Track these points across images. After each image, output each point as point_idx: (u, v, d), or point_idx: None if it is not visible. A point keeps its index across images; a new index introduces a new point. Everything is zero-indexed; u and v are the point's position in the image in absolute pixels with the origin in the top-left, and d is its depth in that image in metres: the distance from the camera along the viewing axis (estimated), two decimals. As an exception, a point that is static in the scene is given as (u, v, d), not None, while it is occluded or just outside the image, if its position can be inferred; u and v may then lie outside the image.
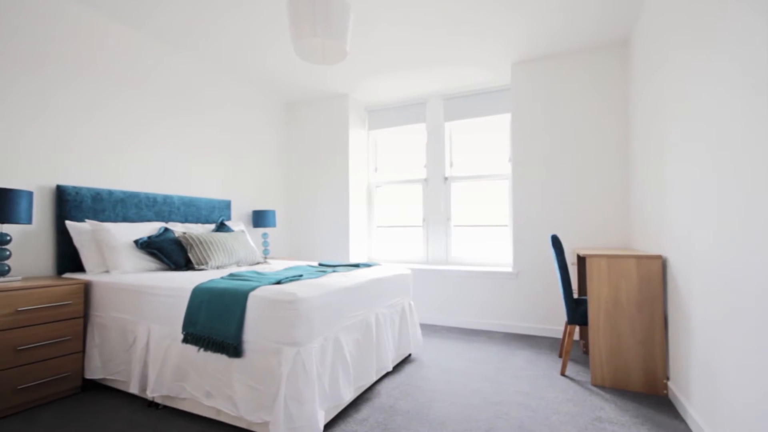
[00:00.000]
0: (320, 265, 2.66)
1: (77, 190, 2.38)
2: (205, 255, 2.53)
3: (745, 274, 1.27)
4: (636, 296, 2.16)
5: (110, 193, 2.55)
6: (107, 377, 2.08)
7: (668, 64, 2.00)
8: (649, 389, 2.14)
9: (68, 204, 2.34)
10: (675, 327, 1.99)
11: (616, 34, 2.84)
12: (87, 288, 2.17)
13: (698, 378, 1.68)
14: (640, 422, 1.81)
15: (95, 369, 2.10)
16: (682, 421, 1.82)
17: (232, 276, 2.04)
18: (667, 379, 2.11)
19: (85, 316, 2.16)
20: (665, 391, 2.11)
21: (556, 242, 2.39)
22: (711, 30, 1.50)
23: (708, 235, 1.55)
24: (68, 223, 2.31)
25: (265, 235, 3.77)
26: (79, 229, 2.32)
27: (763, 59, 1.14)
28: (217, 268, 2.57)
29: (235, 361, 1.63)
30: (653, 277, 2.12)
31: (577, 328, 3.18)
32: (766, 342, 1.14)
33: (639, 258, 2.16)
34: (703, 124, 1.58)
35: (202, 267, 2.49)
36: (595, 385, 2.24)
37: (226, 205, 3.48)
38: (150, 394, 1.85)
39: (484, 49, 3.06)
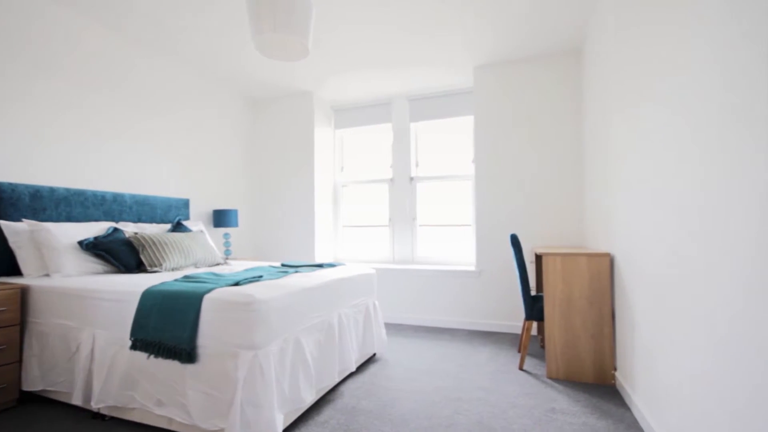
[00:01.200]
0: (283, 265, 2.61)
1: (13, 187, 2.19)
2: (158, 256, 2.40)
3: (672, 269, 1.36)
4: (587, 292, 2.27)
5: (52, 190, 2.37)
6: (47, 388, 1.93)
7: (613, 69, 2.12)
8: (599, 380, 2.26)
9: (3, 202, 2.15)
10: (621, 320, 2.11)
11: (572, 42, 2.98)
12: (24, 293, 2.01)
13: (640, 367, 1.79)
14: (589, 411, 1.91)
15: (34, 380, 1.94)
16: (628, 408, 1.94)
17: (186, 278, 1.95)
18: (615, 369, 2.24)
19: (22, 323, 2.00)
20: (613, 381, 2.23)
21: (515, 241, 2.48)
22: (647, 41, 1.60)
23: (644, 233, 1.66)
24: (2, 222, 2.12)
25: (226, 235, 3.64)
26: (14, 230, 2.14)
27: (696, 62, 1.22)
28: (172, 270, 2.46)
29: (189, 367, 1.56)
30: (602, 273, 2.24)
31: (534, 324, 3.31)
32: (694, 331, 1.23)
33: (590, 256, 2.27)
34: (639, 129, 1.68)
35: (156, 269, 2.37)
36: (551, 378, 2.34)
37: (184, 204, 3.33)
38: (95, 405, 1.74)
39: (448, 51, 3.12)
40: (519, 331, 3.33)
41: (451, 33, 2.83)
